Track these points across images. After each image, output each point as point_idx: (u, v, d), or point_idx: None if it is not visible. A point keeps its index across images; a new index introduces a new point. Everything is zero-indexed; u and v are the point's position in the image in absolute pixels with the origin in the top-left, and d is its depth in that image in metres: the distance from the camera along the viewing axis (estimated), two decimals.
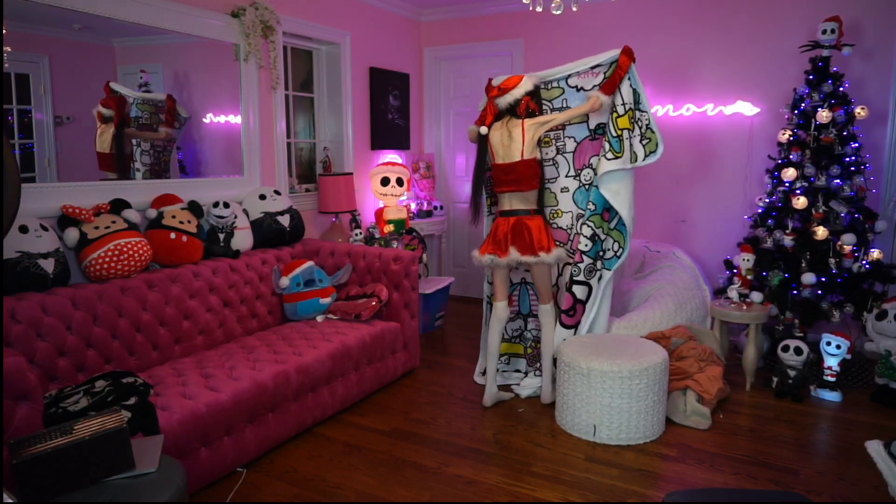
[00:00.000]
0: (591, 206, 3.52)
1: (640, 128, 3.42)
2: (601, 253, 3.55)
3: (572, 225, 3.67)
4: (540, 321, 3.55)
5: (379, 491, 2.63)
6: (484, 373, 3.78)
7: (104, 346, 2.81)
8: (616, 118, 3.41)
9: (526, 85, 3.41)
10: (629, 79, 3.40)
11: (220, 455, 2.62)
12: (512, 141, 3.35)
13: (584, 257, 3.52)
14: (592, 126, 3.59)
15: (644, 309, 3.86)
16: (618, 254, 3.56)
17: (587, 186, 3.62)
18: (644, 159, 3.41)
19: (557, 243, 3.51)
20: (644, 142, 3.42)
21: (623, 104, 3.40)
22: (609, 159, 3.40)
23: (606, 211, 3.53)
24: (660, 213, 4.93)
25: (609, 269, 3.55)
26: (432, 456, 2.93)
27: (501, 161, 3.39)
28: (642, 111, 3.43)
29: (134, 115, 3.52)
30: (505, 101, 3.39)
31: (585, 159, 3.63)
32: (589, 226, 3.51)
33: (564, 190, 3.68)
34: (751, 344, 3.69)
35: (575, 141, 3.64)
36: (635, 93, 3.42)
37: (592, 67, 3.50)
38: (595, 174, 3.52)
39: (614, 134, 3.41)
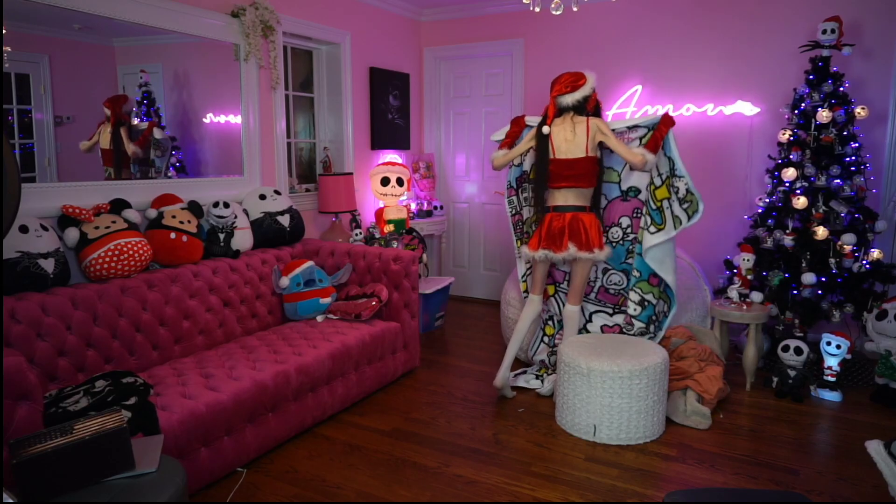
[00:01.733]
0: (637, 273, 3.58)
1: (680, 193, 3.37)
2: (653, 317, 3.61)
3: None
4: (564, 322, 3.58)
5: (379, 491, 2.63)
6: (517, 374, 3.84)
7: (104, 346, 2.81)
8: (654, 190, 3.45)
9: (591, 81, 3.41)
10: (664, 149, 3.38)
11: (220, 455, 2.62)
12: (576, 137, 3.36)
13: (635, 321, 3.59)
14: (625, 188, 3.63)
15: None
16: (667, 314, 3.61)
17: (614, 244, 3.68)
18: (688, 221, 3.35)
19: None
20: (685, 205, 3.35)
21: (659, 175, 3.43)
22: (653, 233, 3.43)
23: (653, 276, 3.55)
24: None
25: (661, 328, 3.61)
26: (432, 456, 2.93)
27: (564, 157, 3.38)
28: (679, 177, 3.37)
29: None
30: (574, 98, 3.38)
31: (615, 218, 3.68)
32: (636, 292, 3.58)
33: None
34: (751, 344, 3.69)
35: (606, 198, 3.67)
36: (670, 160, 3.40)
37: (629, 128, 3.52)
38: (628, 242, 3.63)
39: (654, 206, 3.44)
